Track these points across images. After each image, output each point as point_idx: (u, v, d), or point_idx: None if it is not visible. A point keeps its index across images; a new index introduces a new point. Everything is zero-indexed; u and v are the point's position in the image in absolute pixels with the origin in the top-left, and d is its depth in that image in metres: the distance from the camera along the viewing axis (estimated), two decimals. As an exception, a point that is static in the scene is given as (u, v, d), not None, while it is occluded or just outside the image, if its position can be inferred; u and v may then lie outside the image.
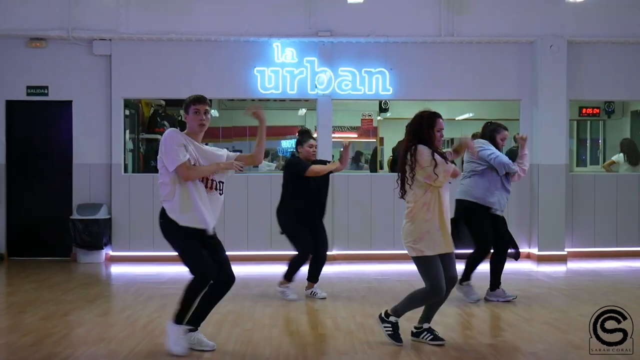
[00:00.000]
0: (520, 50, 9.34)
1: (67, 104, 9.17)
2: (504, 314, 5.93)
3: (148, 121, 10.76)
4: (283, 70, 9.17)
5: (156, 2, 9.12)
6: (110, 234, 9.05)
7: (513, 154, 7.48)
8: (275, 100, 10.98)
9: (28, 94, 9.12)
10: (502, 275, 6.41)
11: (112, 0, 9.02)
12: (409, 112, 11.99)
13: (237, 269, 4.82)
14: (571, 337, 5.15)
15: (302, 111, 12.92)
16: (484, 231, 6.26)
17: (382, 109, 12.34)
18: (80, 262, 8.92)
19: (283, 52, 9.17)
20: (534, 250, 9.19)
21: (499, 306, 6.21)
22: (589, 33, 9.29)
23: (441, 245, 4.70)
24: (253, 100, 10.37)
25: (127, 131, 10.16)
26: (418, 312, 4.96)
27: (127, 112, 10.09)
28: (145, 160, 10.66)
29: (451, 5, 9.21)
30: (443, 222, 4.71)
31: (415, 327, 4.95)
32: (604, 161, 11.49)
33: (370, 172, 11.77)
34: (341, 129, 12.82)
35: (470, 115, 12.58)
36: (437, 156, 4.67)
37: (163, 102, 10.87)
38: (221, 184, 4.73)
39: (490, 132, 6.43)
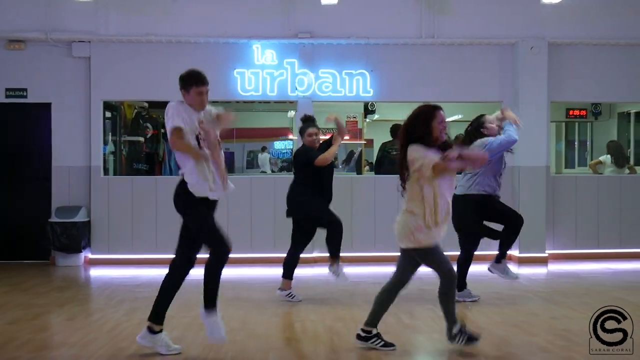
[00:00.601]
0: (502, 51, 9.31)
1: (46, 107, 9.11)
2: (475, 317, 5.89)
3: (131, 124, 10.73)
4: (263, 72, 9.13)
5: (135, 3, 9.09)
6: (89, 236, 9.00)
7: None
8: (262, 102, 10.95)
9: (7, 97, 9.07)
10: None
11: (91, 1, 8.98)
12: (396, 114, 12.11)
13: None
14: (538, 339, 5.11)
15: (292, 113, 12.89)
16: (505, 208, 6.36)
17: (369, 110, 12.33)
18: (59, 265, 8.87)
19: (263, 53, 9.14)
20: (515, 252, 9.13)
21: (471, 309, 6.18)
22: (570, 35, 9.28)
23: (437, 238, 4.64)
24: (238, 102, 10.38)
25: (110, 134, 10.14)
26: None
27: (109, 115, 10.07)
28: (127, 162, 10.62)
29: (432, 6, 9.18)
30: (438, 219, 4.58)
31: (364, 330, 4.85)
32: (592, 163, 11.47)
33: (357, 174, 11.74)
34: (325, 130, 12.77)
35: (459, 117, 12.54)
36: (422, 151, 4.56)
37: (146, 104, 10.84)
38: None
39: (478, 126, 6.32)
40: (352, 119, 12.41)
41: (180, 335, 5.14)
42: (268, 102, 10.90)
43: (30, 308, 6.26)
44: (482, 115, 6.40)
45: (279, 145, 15.24)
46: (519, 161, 9.03)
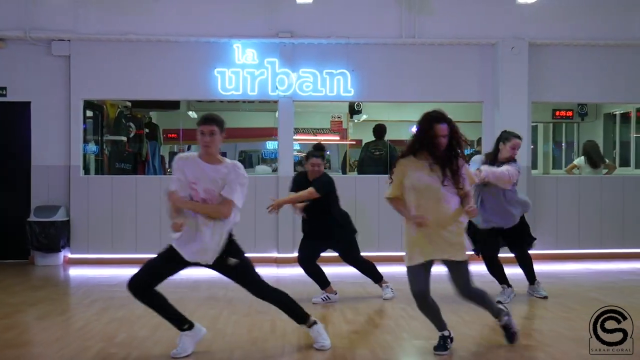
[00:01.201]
0: (482, 52, 9.31)
1: (26, 105, 9.09)
2: (446, 317, 5.85)
3: (113, 123, 10.69)
4: (244, 71, 9.11)
5: (115, 2, 9.06)
6: (68, 236, 8.97)
7: None
8: (246, 101, 10.91)
9: (-14, 95, 9.06)
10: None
11: (71, 0, 8.96)
12: (382, 114, 12.05)
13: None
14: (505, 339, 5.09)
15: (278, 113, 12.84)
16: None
17: (355, 111, 12.29)
18: (38, 264, 8.84)
19: (244, 53, 9.12)
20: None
21: (443, 310, 6.14)
22: (550, 35, 9.28)
23: (421, 254, 4.53)
24: (222, 102, 10.35)
25: (92, 133, 10.11)
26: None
27: (91, 114, 10.03)
28: (110, 162, 10.59)
29: (412, 6, 9.18)
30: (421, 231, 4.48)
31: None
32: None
33: (342, 174, 11.71)
34: (307, 130, 12.77)
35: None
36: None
37: (129, 104, 10.79)
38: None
39: (497, 140, 6.59)
40: (337, 119, 12.39)
41: (148, 334, 5.12)
42: (253, 101, 10.87)
43: (1, 307, 6.23)
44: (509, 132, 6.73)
45: (270, 145, 15.19)
46: (499, 161, 9.00)
